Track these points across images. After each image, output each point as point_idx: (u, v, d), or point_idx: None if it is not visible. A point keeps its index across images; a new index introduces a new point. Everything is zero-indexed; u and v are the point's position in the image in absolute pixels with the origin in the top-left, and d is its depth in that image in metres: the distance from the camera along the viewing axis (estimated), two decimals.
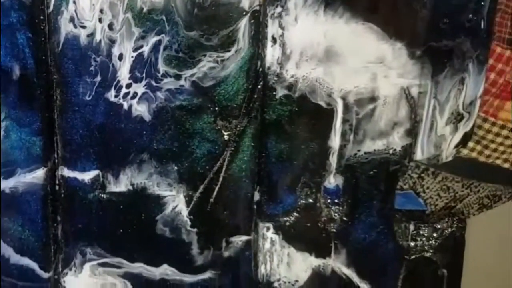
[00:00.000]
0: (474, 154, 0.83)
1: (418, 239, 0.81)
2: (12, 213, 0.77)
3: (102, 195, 0.77)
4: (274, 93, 0.73)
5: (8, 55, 0.71)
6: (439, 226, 0.81)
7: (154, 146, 0.75)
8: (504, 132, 0.82)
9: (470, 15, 0.71)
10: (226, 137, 0.74)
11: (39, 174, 0.75)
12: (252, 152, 0.75)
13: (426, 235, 0.81)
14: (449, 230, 0.81)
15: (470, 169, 0.86)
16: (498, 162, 0.84)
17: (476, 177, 0.88)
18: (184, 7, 0.69)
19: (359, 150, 0.76)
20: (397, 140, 0.76)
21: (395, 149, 0.76)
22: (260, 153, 0.76)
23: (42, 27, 0.70)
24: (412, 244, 0.81)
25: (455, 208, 0.86)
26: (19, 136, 0.74)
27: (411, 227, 0.81)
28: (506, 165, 0.85)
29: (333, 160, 0.76)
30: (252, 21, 0.70)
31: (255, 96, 0.73)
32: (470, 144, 0.82)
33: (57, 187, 0.77)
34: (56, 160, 0.76)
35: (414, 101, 0.74)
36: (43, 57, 0.71)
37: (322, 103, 0.73)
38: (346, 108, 0.74)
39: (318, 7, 0.69)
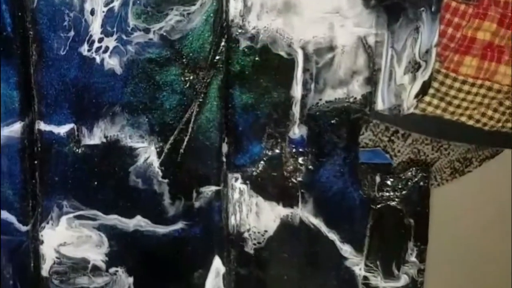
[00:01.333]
0: (439, 112, 0.85)
1: (384, 189, 0.83)
2: None
3: (77, 149, 0.79)
4: (237, 44, 0.76)
5: None
6: (403, 177, 0.83)
7: (126, 99, 0.77)
8: (466, 87, 0.84)
9: None
10: (193, 89, 0.78)
11: (16, 128, 0.77)
12: (218, 103, 0.78)
13: (391, 185, 0.83)
14: (414, 180, 0.83)
15: (437, 128, 0.88)
16: (463, 119, 0.86)
17: (443, 136, 0.89)
18: None
19: (320, 99, 0.78)
20: (357, 89, 0.78)
21: (355, 98, 0.79)
22: (226, 104, 0.78)
23: None
24: (378, 194, 0.83)
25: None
26: None
27: (377, 178, 0.83)
28: (471, 122, 0.86)
29: (296, 110, 0.79)
30: None
31: (220, 48, 0.76)
32: (435, 101, 0.84)
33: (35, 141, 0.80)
34: (33, 115, 0.78)
35: (371, 50, 0.77)
36: (19, 13, 0.74)
37: (283, 53, 0.76)
38: (306, 57, 0.76)
39: None
